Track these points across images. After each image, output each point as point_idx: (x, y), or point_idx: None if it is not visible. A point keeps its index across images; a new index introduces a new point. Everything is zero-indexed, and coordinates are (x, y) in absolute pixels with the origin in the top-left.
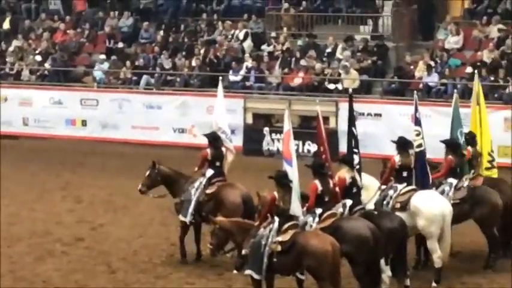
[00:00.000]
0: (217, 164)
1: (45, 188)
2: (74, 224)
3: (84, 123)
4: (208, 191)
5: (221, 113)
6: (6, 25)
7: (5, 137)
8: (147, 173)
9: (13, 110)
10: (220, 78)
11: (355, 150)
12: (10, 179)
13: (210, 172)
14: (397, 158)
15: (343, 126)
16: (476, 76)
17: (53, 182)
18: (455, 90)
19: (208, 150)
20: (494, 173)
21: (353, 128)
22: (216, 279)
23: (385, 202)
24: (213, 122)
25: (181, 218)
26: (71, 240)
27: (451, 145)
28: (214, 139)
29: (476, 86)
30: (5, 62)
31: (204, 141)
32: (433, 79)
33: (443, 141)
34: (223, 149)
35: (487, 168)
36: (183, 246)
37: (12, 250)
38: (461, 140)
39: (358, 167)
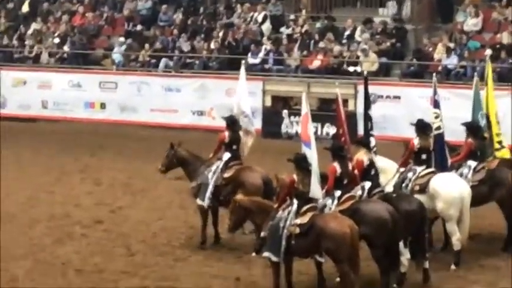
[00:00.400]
0: (234, 147)
1: (64, 170)
2: (93, 206)
3: (103, 106)
4: (225, 175)
5: (244, 96)
6: (25, 8)
7: (24, 119)
8: (166, 154)
9: (32, 93)
10: (243, 61)
11: (371, 132)
12: (28, 161)
13: (227, 155)
14: (416, 141)
15: (362, 108)
16: (487, 58)
17: (72, 165)
18: (475, 73)
19: (226, 133)
20: (505, 154)
21: (369, 111)
22: (235, 261)
23: (404, 185)
24: (234, 105)
25: (198, 202)
26: (90, 223)
27: (472, 128)
28: (232, 122)
29: (487, 68)
30: (24, 45)
31: (223, 123)
32: (452, 61)
33: (464, 124)
34: (241, 132)
35: (496, 149)
36: (204, 233)
37: (31, 232)
38: (482, 122)
39: (375, 149)
